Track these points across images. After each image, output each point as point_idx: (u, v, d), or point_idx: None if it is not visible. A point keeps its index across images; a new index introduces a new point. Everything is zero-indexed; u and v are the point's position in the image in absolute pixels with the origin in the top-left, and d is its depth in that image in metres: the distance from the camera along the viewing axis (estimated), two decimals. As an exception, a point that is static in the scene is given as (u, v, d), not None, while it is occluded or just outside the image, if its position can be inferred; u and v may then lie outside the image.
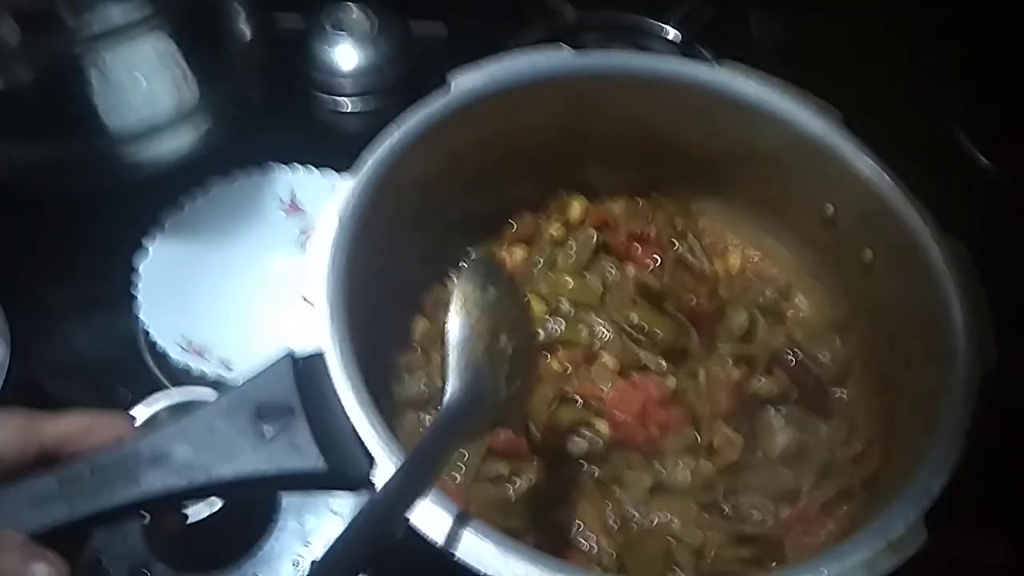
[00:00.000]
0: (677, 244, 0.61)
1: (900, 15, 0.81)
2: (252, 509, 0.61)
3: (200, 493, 0.38)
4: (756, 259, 0.64)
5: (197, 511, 0.56)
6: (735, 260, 0.63)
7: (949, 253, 0.50)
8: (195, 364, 0.62)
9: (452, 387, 0.41)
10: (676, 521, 0.49)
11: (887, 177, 0.54)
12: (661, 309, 0.57)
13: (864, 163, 0.55)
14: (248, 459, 0.38)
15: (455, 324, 0.43)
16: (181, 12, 0.64)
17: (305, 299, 0.44)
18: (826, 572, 0.37)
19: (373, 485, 0.39)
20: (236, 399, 0.39)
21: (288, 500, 0.63)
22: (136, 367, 0.66)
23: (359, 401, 0.41)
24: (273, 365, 0.41)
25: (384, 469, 0.39)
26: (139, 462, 0.37)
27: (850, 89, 0.75)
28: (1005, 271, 0.65)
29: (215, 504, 0.56)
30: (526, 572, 0.37)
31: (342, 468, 0.39)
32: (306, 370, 0.41)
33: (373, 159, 0.51)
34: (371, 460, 0.40)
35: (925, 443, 0.43)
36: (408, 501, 0.37)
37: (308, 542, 0.61)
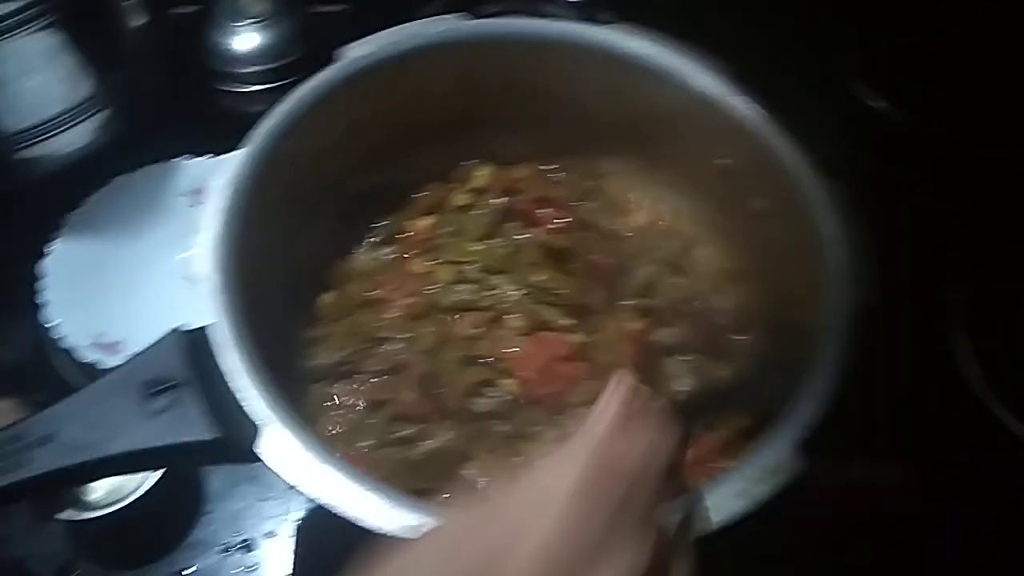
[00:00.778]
0: (582, 205, 0.62)
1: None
2: (179, 500, 0.61)
3: (91, 471, 0.39)
4: (661, 215, 0.65)
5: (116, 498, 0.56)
6: (640, 217, 0.65)
7: (829, 195, 0.51)
8: (108, 361, 0.62)
9: None
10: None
11: (772, 127, 0.55)
12: (566, 269, 0.59)
13: (750, 115, 0.56)
14: (137, 434, 0.38)
15: None
16: (66, 5, 0.63)
17: (194, 273, 0.44)
18: (705, 501, 0.39)
19: (257, 455, 0.40)
20: (124, 375, 0.40)
21: (215, 489, 0.63)
22: (47, 370, 0.66)
23: (244, 369, 0.41)
24: (161, 340, 0.41)
25: (269, 436, 0.40)
26: (28, 443, 0.37)
27: (750, 43, 0.77)
28: (899, 206, 0.68)
29: (132, 495, 0.56)
30: (418, 521, 0.37)
31: (235, 438, 0.40)
32: (196, 344, 0.42)
33: (262, 132, 0.51)
34: (256, 428, 0.40)
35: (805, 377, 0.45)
36: None
37: (237, 530, 0.61)
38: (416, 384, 0.53)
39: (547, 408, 0.53)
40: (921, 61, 0.74)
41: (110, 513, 0.55)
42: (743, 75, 0.58)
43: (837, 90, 0.76)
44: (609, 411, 0.33)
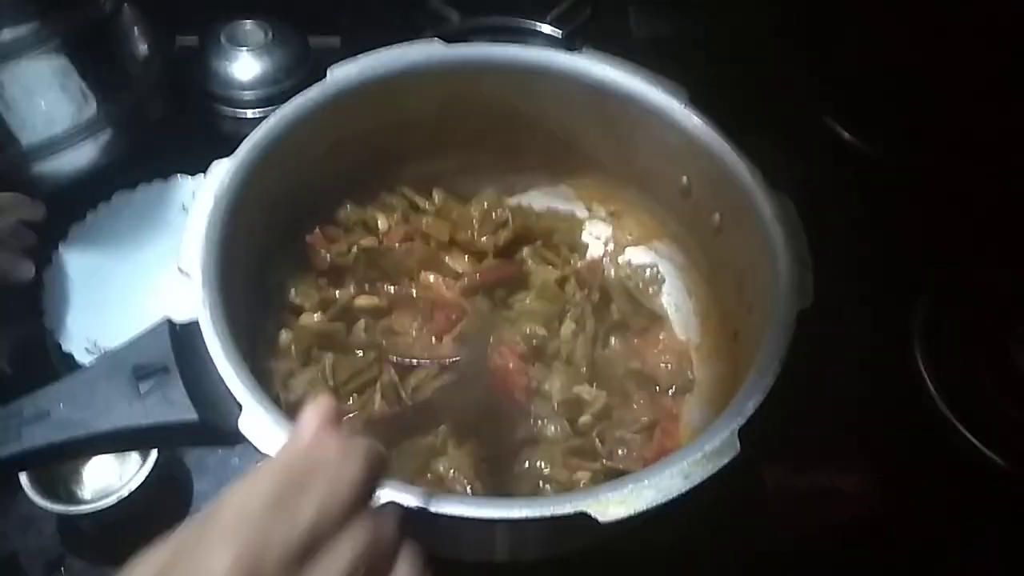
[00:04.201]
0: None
1: (769, 12, 0.88)
2: (166, 499, 0.63)
3: (81, 447, 0.41)
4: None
5: (105, 495, 0.58)
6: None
7: (777, 208, 0.55)
8: (103, 365, 0.64)
9: None
10: (545, 465, 0.53)
11: (727, 146, 0.58)
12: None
13: (708, 135, 0.59)
14: (124, 413, 0.41)
15: None
16: (73, 30, 0.67)
17: (180, 269, 0.47)
18: (646, 481, 0.41)
19: (238, 435, 0.42)
20: (114, 360, 0.43)
21: (201, 489, 0.65)
22: (47, 376, 0.68)
23: (227, 355, 0.44)
24: (151, 329, 0.44)
25: (249, 415, 0.42)
26: (21, 419, 0.40)
27: (726, 76, 0.81)
28: (864, 228, 0.73)
29: (120, 493, 0.58)
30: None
31: (214, 420, 0.43)
32: (183, 334, 0.45)
33: (249, 143, 0.55)
34: (239, 408, 0.43)
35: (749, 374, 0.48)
36: None
37: (223, 529, 0.63)
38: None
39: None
40: (886, 99, 0.78)
41: (99, 511, 0.57)
42: (715, 101, 0.62)
43: (811, 124, 0.80)
44: (301, 429, 0.35)
